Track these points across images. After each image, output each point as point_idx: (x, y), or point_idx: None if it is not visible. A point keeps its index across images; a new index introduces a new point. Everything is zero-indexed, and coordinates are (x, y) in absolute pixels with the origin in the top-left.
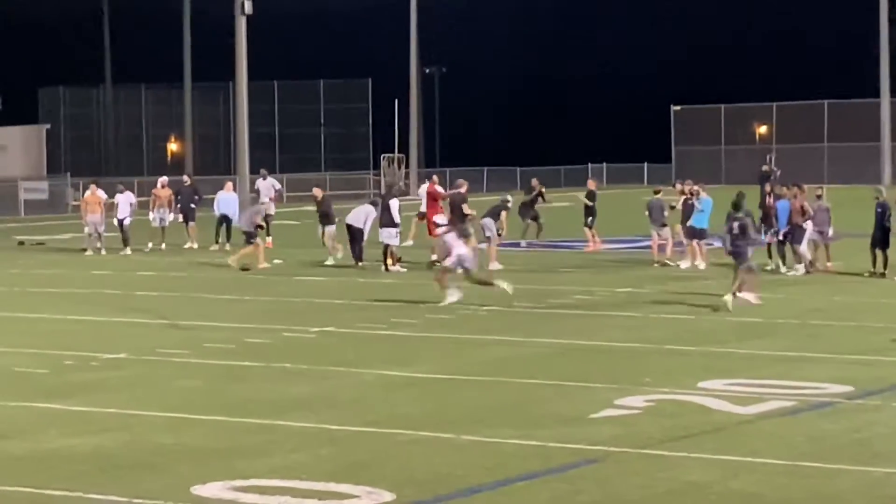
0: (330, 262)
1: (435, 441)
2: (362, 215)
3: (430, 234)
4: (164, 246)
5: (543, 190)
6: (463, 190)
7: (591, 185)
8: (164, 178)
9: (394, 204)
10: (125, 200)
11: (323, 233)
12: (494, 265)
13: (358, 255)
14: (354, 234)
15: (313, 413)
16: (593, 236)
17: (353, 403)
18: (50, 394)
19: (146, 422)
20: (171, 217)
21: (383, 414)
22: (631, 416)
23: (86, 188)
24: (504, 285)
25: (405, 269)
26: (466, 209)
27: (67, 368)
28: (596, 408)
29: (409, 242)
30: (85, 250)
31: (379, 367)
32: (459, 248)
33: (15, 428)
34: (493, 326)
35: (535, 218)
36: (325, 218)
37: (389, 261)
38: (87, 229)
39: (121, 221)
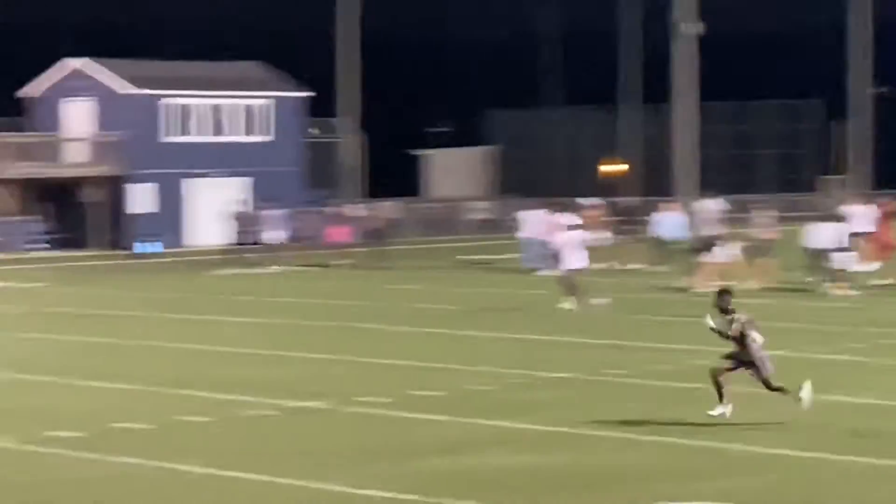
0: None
1: None
2: (831, 235)
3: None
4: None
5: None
6: None
7: None
8: (593, 200)
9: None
10: (564, 221)
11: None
12: None
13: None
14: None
15: (766, 436)
16: None
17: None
18: (496, 411)
19: (595, 442)
20: (604, 237)
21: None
22: None
23: (530, 208)
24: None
25: (856, 293)
26: None
27: (516, 387)
28: None
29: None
30: (535, 270)
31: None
32: None
33: (465, 444)
34: None
35: None
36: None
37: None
38: (535, 249)
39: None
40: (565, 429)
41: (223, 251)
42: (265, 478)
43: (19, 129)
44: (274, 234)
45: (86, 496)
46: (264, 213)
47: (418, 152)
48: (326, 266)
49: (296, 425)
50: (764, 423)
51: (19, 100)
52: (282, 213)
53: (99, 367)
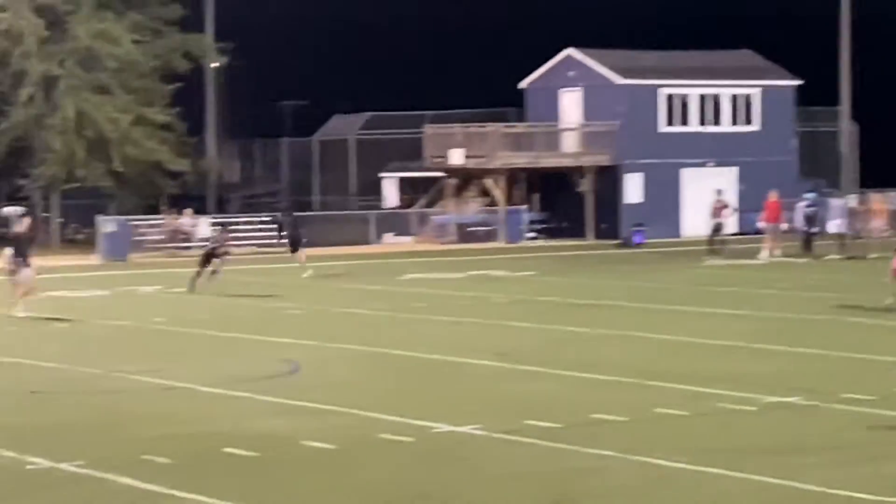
0: None
1: None
2: None
3: None
4: None
5: None
6: None
7: None
8: None
9: None
10: None
11: None
12: None
13: None
14: None
15: None
16: None
17: None
18: None
19: None
20: None
21: None
22: None
23: None
24: None
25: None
26: None
27: None
28: None
29: None
30: None
31: None
32: None
33: None
34: None
35: None
36: None
37: None
38: None
39: None
40: None
41: (720, 241)
42: (734, 474)
43: (509, 119)
44: (835, 224)
45: (555, 487)
46: (832, 202)
47: None
48: (863, 258)
49: (771, 421)
50: None
51: (520, 91)
52: (841, 203)
53: (579, 356)
